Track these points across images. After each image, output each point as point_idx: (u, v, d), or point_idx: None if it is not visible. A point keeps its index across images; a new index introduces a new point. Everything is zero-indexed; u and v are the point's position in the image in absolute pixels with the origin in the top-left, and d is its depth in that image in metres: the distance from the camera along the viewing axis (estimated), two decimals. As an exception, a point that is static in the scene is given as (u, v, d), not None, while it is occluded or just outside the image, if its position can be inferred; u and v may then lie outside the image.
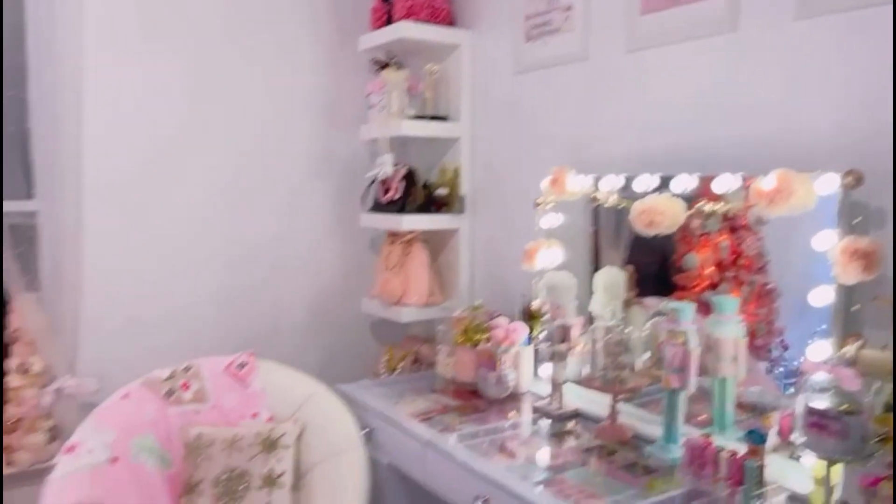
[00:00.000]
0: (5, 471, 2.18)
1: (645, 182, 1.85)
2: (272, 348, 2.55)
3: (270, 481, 1.99)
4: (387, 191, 2.67)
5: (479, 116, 2.67)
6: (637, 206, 1.77)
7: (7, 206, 2.28)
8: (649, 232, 1.75)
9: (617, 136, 2.09)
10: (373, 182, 2.74)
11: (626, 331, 1.86)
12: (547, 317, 2.09)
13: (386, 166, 2.63)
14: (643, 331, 1.87)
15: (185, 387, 2.14)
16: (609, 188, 1.97)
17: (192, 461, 2.01)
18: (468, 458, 1.73)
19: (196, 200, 2.64)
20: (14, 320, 2.36)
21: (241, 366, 2.22)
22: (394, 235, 2.77)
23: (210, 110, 2.65)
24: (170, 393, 2.11)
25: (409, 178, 2.65)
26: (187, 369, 2.16)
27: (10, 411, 2.35)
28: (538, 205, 2.19)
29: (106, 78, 2.43)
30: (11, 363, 2.35)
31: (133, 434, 2.00)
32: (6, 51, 2.27)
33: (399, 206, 2.63)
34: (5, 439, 2.34)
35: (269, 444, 2.03)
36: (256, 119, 2.75)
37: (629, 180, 1.91)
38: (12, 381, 2.35)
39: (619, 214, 1.97)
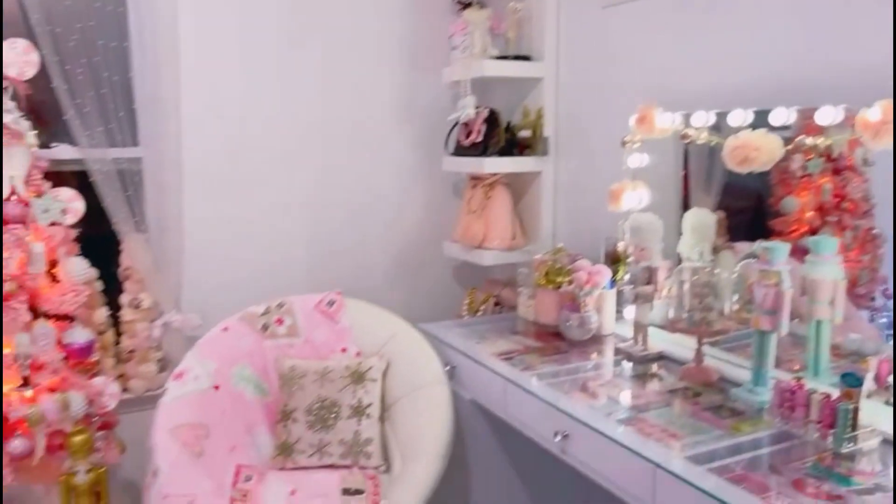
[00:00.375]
0: (123, 396, 2.39)
1: (739, 117, 1.76)
2: (358, 289, 2.63)
3: (359, 411, 2.09)
4: (469, 133, 2.67)
5: (564, 55, 2.60)
6: (730, 142, 1.69)
7: (115, 152, 2.43)
8: (743, 169, 1.68)
9: (708, 70, 1.99)
10: (455, 125, 2.74)
11: (715, 272, 1.81)
12: (631, 259, 2.06)
13: (468, 109, 2.62)
14: (733, 273, 1.82)
15: (279, 322, 2.26)
16: (700, 125, 1.89)
17: (286, 391, 2.14)
18: (549, 394, 1.75)
19: (286, 145, 2.73)
20: (125, 259, 2.55)
21: (331, 303, 2.32)
22: (476, 179, 2.77)
23: (299, 56, 2.70)
24: (265, 328, 2.24)
25: (492, 120, 2.62)
26: (280, 306, 2.28)
27: (124, 343, 2.56)
28: (624, 144, 2.13)
29: (201, 26, 2.51)
30: (124, 299, 2.55)
31: (233, 364, 2.14)
32: (108, 2, 2.38)
33: (481, 149, 2.62)
34: (122, 368, 2.56)
35: (358, 377, 2.13)
36: (342, 64, 2.78)
37: (721, 116, 1.83)
38: (126, 315, 2.55)
39: (711, 155, 1.89)
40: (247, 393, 2.14)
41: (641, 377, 1.91)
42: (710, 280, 1.81)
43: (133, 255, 2.51)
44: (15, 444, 1.96)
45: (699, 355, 1.84)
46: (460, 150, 2.74)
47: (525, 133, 2.69)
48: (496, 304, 2.79)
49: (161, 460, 1.85)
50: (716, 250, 1.96)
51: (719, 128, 1.85)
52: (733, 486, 1.28)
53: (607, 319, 2.23)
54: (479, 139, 2.63)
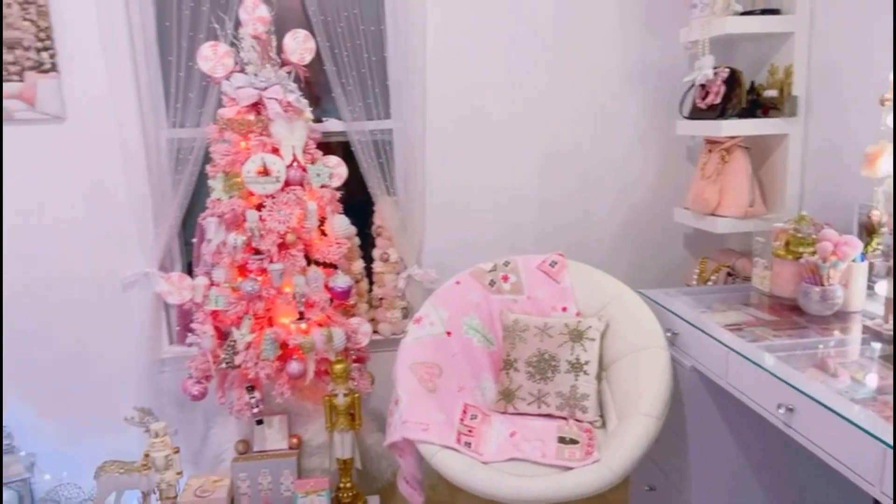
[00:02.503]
0: (373, 337, 2.75)
1: None
2: (583, 252, 2.69)
3: (577, 367, 2.18)
4: (706, 95, 2.55)
5: (818, 5, 2.35)
6: None
7: (371, 124, 2.77)
8: None
9: None
10: (691, 86, 2.64)
11: None
12: (886, 229, 1.85)
13: (706, 69, 2.50)
14: None
15: (505, 279, 2.42)
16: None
17: (509, 342, 2.30)
18: (775, 366, 1.67)
19: (516, 111, 2.85)
20: (377, 219, 2.91)
21: (553, 264, 2.42)
22: (712, 143, 2.65)
23: (530, 21, 2.78)
24: (492, 283, 2.42)
25: (732, 80, 2.48)
26: (507, 264, 2.44)
27: (375, 291, 2.93)
28: (884, 103, 1.90)
29: (445, 8, 2.73)
30: (376, 253, 2.92)
31: (463, 314, 2.35)
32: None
33: (719, 112, 2.50)
34: (373, 313, 2.94)
35: (576, 335, 2.21)
36: (574, 27, 2.81)
37: None
38: (377, 267, 2.92)
39: None
40: (474, 341, 2.34)
41: (891, 359, 1.72)
42: None
43: (383, 215, 2.85)
44: (292, 366, 2.40)
45: (967, 339, 1.61)
46: (696, 113, 2.63)
47: (771, 93, 2.50)
48: (729, 274, 2.67)
49: (402, 391, 2.12)
50: None
51: None
52: None
53: (855, 295, 2.03)
54: (717, 101, 2.51)
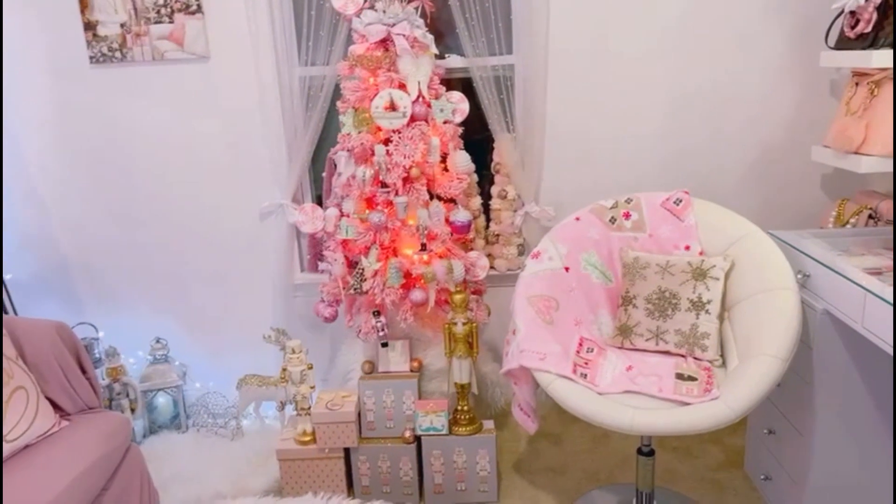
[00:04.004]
0: (489, 273, 2.82)
1: None
2: (710, 190, 2.60)
3: (698, 306, 2.15)
4: (856, 23, 2.36)
5: None
6: None
7: (492, 60, 2.78)
8: None
9: None
10: (840, 14, 2.44)
11: None
12: None
13: (858, -7, 2.31)
14: None
15: (626, 216, 2.40)
16: None
17: (628, 279, 2.30)
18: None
19: (643, 45, 2.75)
20: (496, 156, 2.94)
21: (678, 202, 2.36)
22: (860, 75, 2.45)
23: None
24: (612, 220, 2.40)
25: (886, 6, 2.27)
26: (629, 201, 2.41)
27: (492, 228, 2.99)
28: None
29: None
30: (493, 190, 2.97)
31: (581, 250, 2.37)
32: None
33: (870, 41, 2.31)
34: (489, 248, 3.01)
35: (699, 274, 2.18)
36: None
37: None
38: (494, 204, 2.97)
39: None
40: (592, 277, 2.36)
41: None
42: None
43: (502, 152, 2.88)
44: (415, 294, 2.52)
45: None
46: (844, 43, 2.44)
47: (933, 18, 2.27)
48: (870, 216, 2.50)
49: (520, 321, 2.19)
50: None
51: None
52: None
53: None
54: (868, 29, 2.31)
